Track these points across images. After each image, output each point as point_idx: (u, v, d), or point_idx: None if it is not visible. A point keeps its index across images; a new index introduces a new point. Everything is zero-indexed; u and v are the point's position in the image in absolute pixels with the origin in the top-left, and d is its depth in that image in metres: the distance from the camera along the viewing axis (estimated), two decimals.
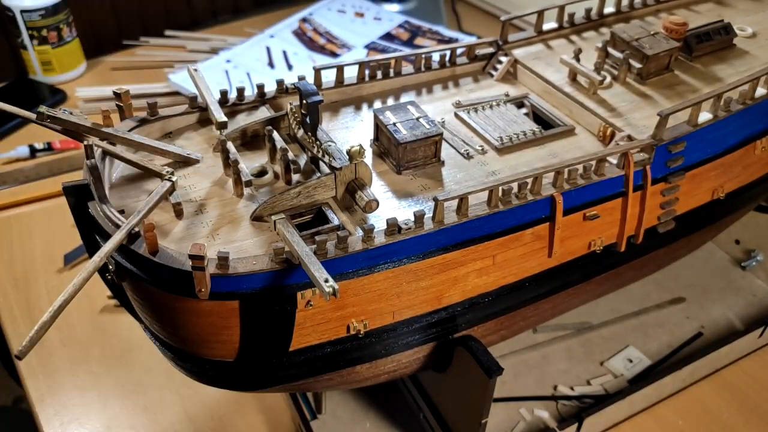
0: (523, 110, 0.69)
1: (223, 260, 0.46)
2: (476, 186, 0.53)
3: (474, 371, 0.57)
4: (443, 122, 0.65)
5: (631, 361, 0.77)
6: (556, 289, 0.64)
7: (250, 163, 0.58)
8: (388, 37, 1.41)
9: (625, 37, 0.71)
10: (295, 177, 0.56)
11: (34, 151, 1.08)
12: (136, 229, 0.47)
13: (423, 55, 0.71)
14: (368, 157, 0.61)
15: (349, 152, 0.53)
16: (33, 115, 0.53)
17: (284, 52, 1.33)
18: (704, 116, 0.64)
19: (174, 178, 0.53)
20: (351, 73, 0.69)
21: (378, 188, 0.57)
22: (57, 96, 1.22)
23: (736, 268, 0.89)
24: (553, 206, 0.56)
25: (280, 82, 0.66)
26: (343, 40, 1.39)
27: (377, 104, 0.69)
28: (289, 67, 1.29)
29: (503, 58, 0.74)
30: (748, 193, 0.74)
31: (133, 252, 0.47)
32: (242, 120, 0.62)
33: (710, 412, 0.74)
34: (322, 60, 1.31)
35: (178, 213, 0.52)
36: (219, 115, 0.58)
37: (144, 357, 0.78)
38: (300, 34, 1.40)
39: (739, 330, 0.80)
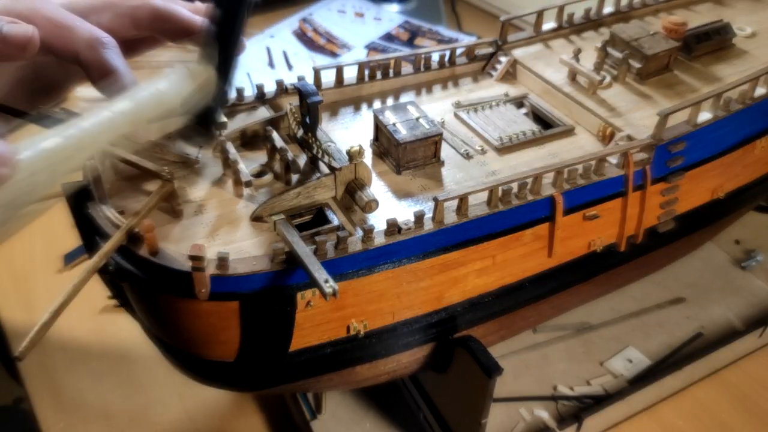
0: (523, 110, 0.69)
1: (222, 261, 0.46)
2: (476, 186, 0.53)
3: (474, 371, 0.57)
4: (443, 122, 0.65)
5: (631, 361, 0.76)
6: (556, 289, 0.64)
7: (249, 163, 0.58)
8: (388, 37, 1.41)
9: (624, 37, 0.71)
10: (295, 177, 0.56)
11: None
12: (136, 230, 0.48)
13: (422, 56, 0.71)
14: (368, 158, 0.61)
15: (348, 152, 0.53)
16: (33, 116, 0.53)
17: (284, 52, 1.33)
18: (704, 116, 0.64)
19: (174, 179, 0.53)
20: (351, 74, 0.69)
21: (378, 188, 0.57)
22: None
23: (736, 268, 0.89)
24: (553, 206, 0.56)
25: (279, 83, 0.66)
26: (343, 40, 1.39)
27: (377, 104, 0.69)
28: (289, 67, 1.29)
29: (503, 58, 0.74)
30: (748, 193, 0.74)
31: (132, 253, 0.47)
32: (242, 120, 0.62)
33: (710, 412, 0.74)
34: (322, 60, 1.32)
35: (178, 213, 0.52)
36: (219, 115, 0.58)
37: (144, 357, 0.78)
38: (300, 34, 1.40)
39: (739, 330, 0.80)
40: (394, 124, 0.59)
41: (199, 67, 0.48)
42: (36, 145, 0.37)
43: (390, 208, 0.55)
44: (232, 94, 0.64)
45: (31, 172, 0.36)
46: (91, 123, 0.40)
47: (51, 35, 0.48)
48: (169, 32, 0.56)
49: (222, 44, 0.49)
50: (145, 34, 0.56)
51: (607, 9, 0.82)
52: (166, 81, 0.46)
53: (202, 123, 0.51)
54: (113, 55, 0.49)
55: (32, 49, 0.48)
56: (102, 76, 0.49)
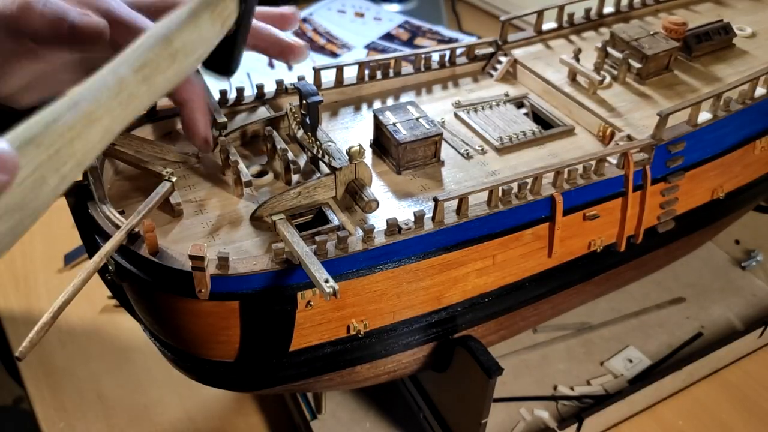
0: (523, 110, 0.69)
1: (223, 261, 0.46)
2: (476, 186, 0.53)
3: (474, 371, 0.57)
4: (443, 122, 0.65)
5: (631, 361, 0.77)
6: (556, 289, 0.64)
7: (249, 163, 0.58)
8: (388, 37, 1.41)
9: (624, 37, 0.71)
10: (295, 177, 0.56)
11: None
12: (136, 230, 0.48)
13: (423, 56, 0.71)
14: (368, 158, 0.61)
15: (348, 152, 0.53)
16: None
17: None
18: (704, 116, 0.64)
19: (174, 179, 0.53)
20: (351, 74, 0.69)
21: (378, 188, 0.57)
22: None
23: (736, 268, 0.89)
24: (553, 206, 0.56)
25: (279, 83, 0.66)
26: (343, 40, 1.39)
27: (377, 104, 0.69)
28: (289, 67, 1.29)
29: (503, 58, 0.74)
30: (748, 193, 0.74)
31: (133, 252, 0.47)
32: (242, 120, 0.62)
33: (710, 412, 0.74)
34: (322, 60, 1.32)
35: (178, 213, 0.52)
36: (219, 115, 0.58)
37: (144, 357, 0.78)
38: (300, 35, 1.40)
39: (739, 330, 0.80)
40: (394, 124, 0.59)
41: None
42: (30, 130, 0.29)
43: (390, 208, 0.55)
44: (232, 94, 0.64)
45: (34, 166, 0.28)
46: (93, 89, 0.31)
47: (119, 35, 0.47)
48: None
49: None
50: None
51: (608, 9, 0.82)
52: (177, 19, 0.36)
53: (223, 55, 0.45)
54: None
55: (102, 43, 0.46)
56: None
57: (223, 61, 0.46)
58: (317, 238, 0.47)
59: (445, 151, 0.61)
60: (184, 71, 0.36)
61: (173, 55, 0.35)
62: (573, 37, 0.79)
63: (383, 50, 1.35)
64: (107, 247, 0.45)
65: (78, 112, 0.30)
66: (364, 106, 0.68)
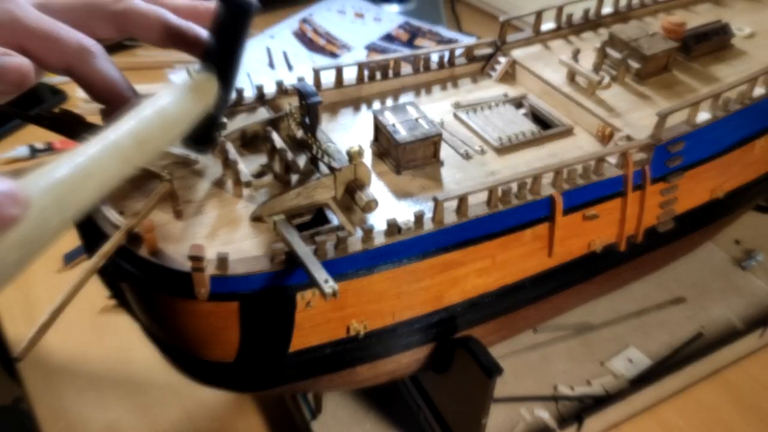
0: (522, 110, 0.69)
1: (222, 261, 0.46)
2: (476, 186, 0.53)
3: (474, 371, 0.57)
4: (442, 123, 0.65)
5: (631, 361, 0.76)
6: (556, 289, 0.64)
7: (249, 163, 0.58)
8: (388, 38, 1.41)
9: (623, 37, 0.71)
10: (295, 178, 0.56)
11: (34, 151, 1.08)
12: (136, 230, 0.48)
13: (422, 56, 0.71)
14: (368, 158, 0.61)
15: (348, 153, 0.53)
16: (32, 116, 0.53)
17: (284, 53, 1.33)
18: (703, 116, 0.64)
19: (172, 179, 0.53)
20: (350, 74, 0.69)
21: (378, 189, 0.57)
22: (57, 96, 1.22)
23: (736, 268, 0.89)
24: (553, 206, 0.56)
25: (279, 83, 0.66)
26: (343, 40, 1.39)
27: (376, 105, 0.69)
28: (290, 67, 1.29)
29: (502, 59, 0.74)
30: (747, 193, 0.74)
31: (132, 253, 0.47)
32: (242, 121, 0.62)
33: (710, 412, 0.74)
34: (322, 61, 1.32)
35: (178, 214, 0.52)
36: (220, 123, 0.58)
37: (144, 357, 0.77)
38: (300, 35, 1.41)
39: (739, 330, 0.80)
40: (393, 125, 0.59)
41: (202, 77, 0.45)
42: (42, 177, 0.34)
43: (390, 208, 0.55)
44: (232, 96, 0.64)
45: (41, 208, 0.33)
46: (97, 148, 0.37)
47: (38, 49, 0.44)
48: (177, 45, 0.51)
49: (225, 52, 0.47)
50: (123, 37, 0.52)
51: (606, 9, 0.82)
52: (169, 96, 0.43)
53: (203, 132, 0.48)
54: (106, 64, 0.46)
55: (28, 84, 0.44)
56: (99, 89, 0.46)
57: (202, 136, 0.49)
58: (317, 239, 0.48)
59: (445, 152, 0.61)
60: (169, 142, 0.43)
61: (163, 128, 0.42)
62: (572, 38, 0.79)
63: (383, 51, 1.35)
64: (107, 247, 0.45)
65: (80, 167, 0.35)
66: (364, 107, 0.68)
